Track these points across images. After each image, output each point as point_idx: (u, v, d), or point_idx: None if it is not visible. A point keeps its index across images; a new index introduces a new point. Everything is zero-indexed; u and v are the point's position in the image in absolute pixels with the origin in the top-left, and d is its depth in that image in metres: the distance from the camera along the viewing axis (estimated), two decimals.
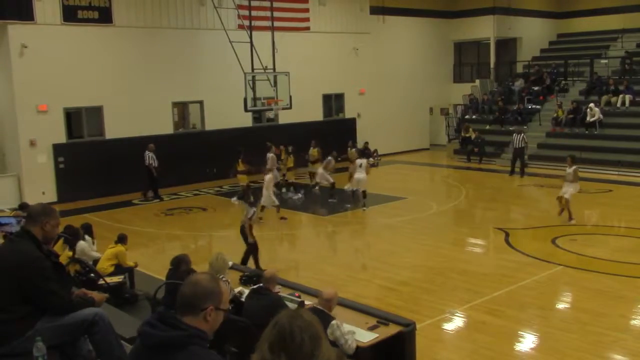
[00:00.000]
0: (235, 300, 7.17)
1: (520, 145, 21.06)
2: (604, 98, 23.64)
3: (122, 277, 9.86)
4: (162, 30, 20.36)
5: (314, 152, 20.12)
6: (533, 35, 30.68)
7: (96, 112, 19.48)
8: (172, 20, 20.63)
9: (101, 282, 9.23)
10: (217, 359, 2.72)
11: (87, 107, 19.26)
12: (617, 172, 20.36)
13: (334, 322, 6.01)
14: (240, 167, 17.93)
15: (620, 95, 23.18)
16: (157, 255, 13.27)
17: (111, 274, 9.67)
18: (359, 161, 17.13)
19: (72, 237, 9.84)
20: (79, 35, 18.65)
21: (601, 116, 22.57)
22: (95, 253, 10.24)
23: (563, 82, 26.30)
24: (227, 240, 14.18)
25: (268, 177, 15.66)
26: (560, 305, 9.96)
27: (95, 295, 4.89)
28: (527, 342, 8.34)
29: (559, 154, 22.43)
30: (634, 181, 19.26)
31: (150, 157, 18.39)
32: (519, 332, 8.53)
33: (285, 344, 2.24)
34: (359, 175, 16.68)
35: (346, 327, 6.16)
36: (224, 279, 7.13)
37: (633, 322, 8.99)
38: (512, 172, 21.26)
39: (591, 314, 8.94)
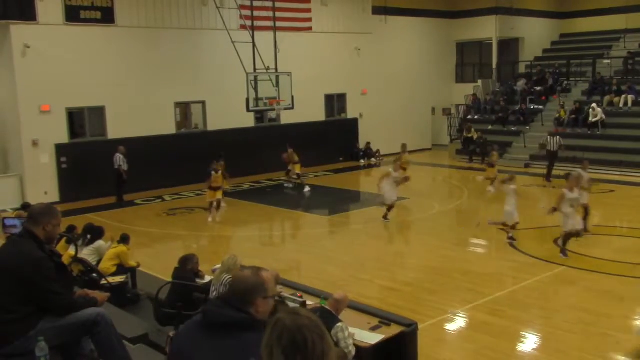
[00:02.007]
0: None
1: (555, 149, 20.01)
2: (607, 98, 23.61)
3: (125, 277, 9.87)
4: (165, 31, 20.38)
5: (406, 157, 18.91)
6: (535, 35, 30.65)
7: (98, 112, 19.50)
8: (175, 21, 20.65)
9: (103, 282, 9.25)
10: None
11: (89, 107, 19.28)
12: (619, 173, 20.32)
13: (339, 324, 6.04)
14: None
15: (623, 96, 23.16)
16: (160, 255, 13.29)
17: (113, 274, 9.68)
18: (511, 187, 13.00)
19: (94, 235, 9.94)
20: (81, 35, 18.67)
21: (603, 116, 22.55)
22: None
23: (565, 82, 26.28)
24: (229, 240, 14.19)
25: (513, 187, 12.90)
26: (563, 306, 9.94)
27: (98, 295, 4.89)
28: (530, 342, 8.33)
29: (561, 154, 22.44)
30: (636, 181, 19.23)
31: (120, 160, 17.97)
32: (521, 333, 8.52)
33: (299, 349, 2.24)
34: (509, 207, 12.92)
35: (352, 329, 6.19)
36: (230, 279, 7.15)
37: (636, 322, 8.97)
38: (548, 178, 19.89)
39: (594, 315, 8.93)
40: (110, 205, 17.96)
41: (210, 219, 15.59)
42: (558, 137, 20.25)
